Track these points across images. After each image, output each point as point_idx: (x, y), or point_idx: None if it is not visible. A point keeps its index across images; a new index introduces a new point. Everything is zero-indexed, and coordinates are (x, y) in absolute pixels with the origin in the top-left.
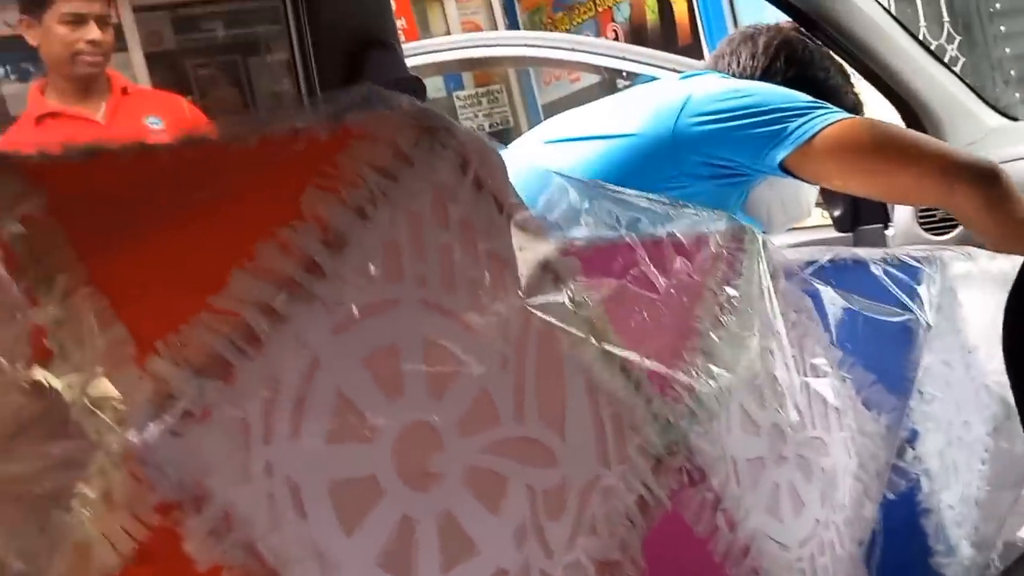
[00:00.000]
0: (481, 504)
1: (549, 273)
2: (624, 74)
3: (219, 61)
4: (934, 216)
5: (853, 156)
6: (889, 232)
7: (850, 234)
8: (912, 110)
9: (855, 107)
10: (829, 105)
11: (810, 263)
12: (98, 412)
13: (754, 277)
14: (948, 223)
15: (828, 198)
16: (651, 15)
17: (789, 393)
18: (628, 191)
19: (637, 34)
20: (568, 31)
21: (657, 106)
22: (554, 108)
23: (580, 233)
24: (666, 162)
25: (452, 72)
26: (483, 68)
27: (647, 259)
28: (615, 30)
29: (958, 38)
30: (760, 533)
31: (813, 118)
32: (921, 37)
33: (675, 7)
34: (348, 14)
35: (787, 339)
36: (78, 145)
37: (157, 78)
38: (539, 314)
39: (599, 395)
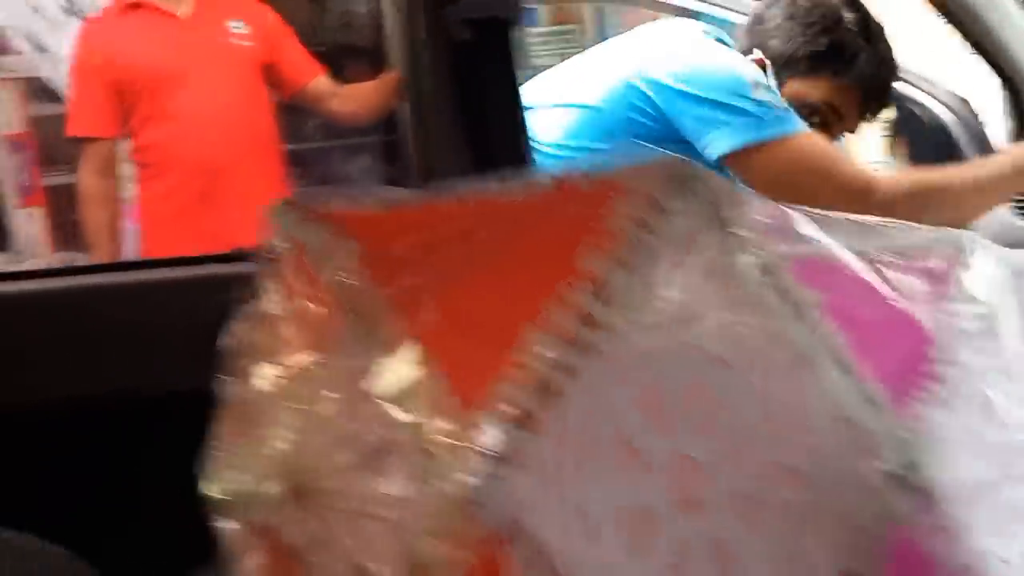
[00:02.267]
0: (745, 526)
1: (792, 308)
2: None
3: None
4: None
5: (784, 175)
6: None
7: None
8: (1015, 84)
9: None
10: (778, 107)
11: None
12: (436, 455)
13: (988, 295)
14: None
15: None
16: None
17: (1018, 410)
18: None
19: None
20: None
21: (615, 77)
22: None
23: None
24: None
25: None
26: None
27: (876, 276)
28: None
29: None
30: (985, 550)
31: (760, 123)
32: None
33: None
34: None
35: (1019, 354)
36: (377, 196)
37: None
38: (785, 347)
39: (843, 419)
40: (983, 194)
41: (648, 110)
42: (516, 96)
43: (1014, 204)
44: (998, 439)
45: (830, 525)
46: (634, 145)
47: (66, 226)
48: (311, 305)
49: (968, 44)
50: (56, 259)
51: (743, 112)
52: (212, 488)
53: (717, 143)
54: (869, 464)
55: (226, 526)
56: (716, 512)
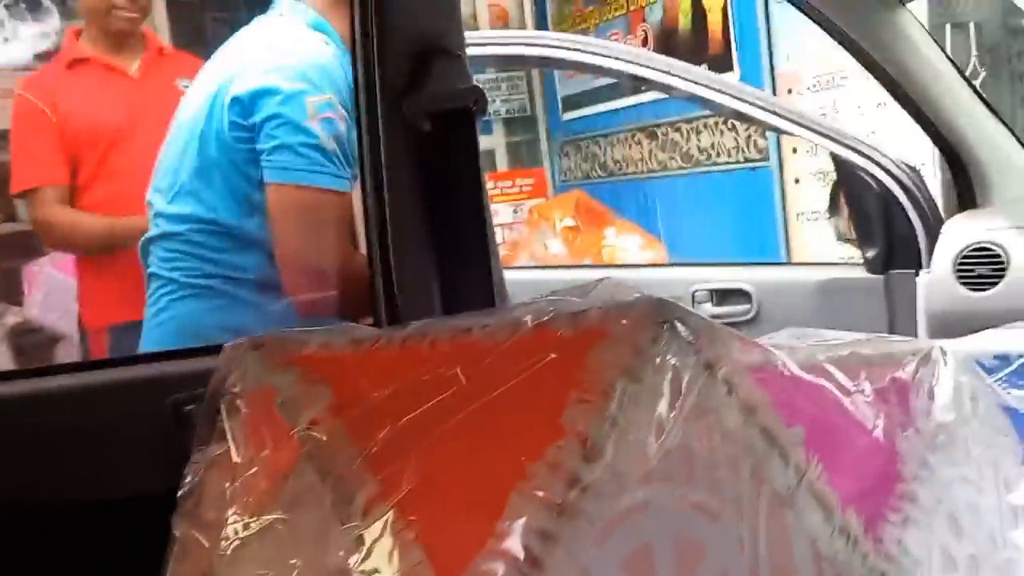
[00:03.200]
0: None
1: (775, 448)
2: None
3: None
4: (973, 271)
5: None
6: (920, 279)
7: (880, 277)
8: (958, 155)
9: None
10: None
11: (1001, 359)
12: None
13: (956, 406)
14: (989, 279)
15: (863, 237)
16: (684, 20)
17: (984, 519)
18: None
19: (667, 37)
20: (598, 26)
21: (204, 93)
22: (574, 101)
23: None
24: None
25: (477, 65)
26: (508, 65)
27: (847, 399)
28: (645, 31)
29: (982, 73)
30: None
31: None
32: None
33: (709, 15)
34: (415, 19)
35: (983, 462)
36: (348, 336)
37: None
38: (767, 488)
39: (822, 559)
40: None
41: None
42: (480, 190)
43: (958, 270)
44: (966, 551)
45: None
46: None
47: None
48: (279, 457)
49: (909, 113)
50: None
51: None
52: None
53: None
54: None
55: None
56: None
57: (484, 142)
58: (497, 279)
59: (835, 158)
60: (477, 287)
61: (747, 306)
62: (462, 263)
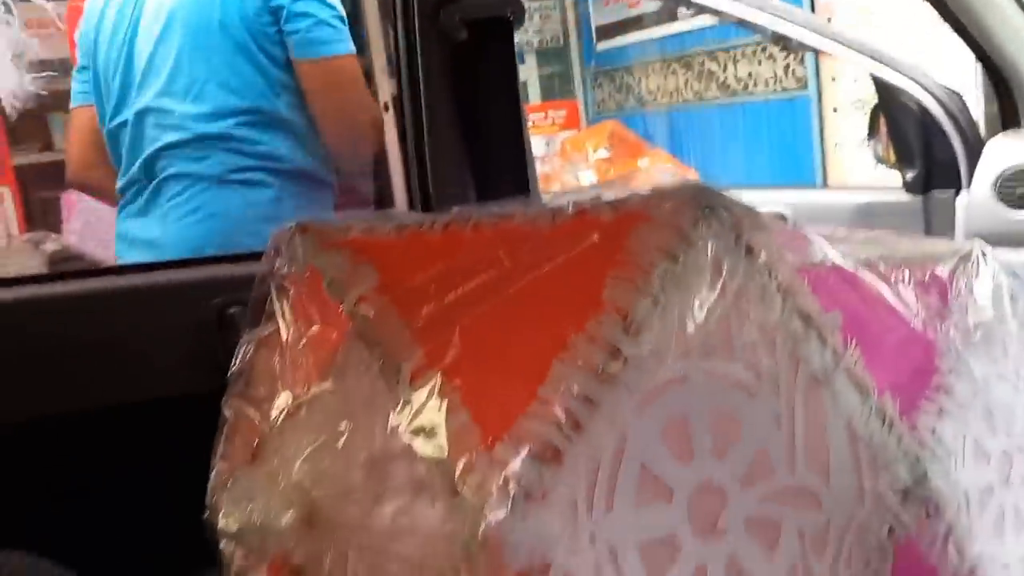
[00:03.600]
0: (760, 549)
1: (813, 330)
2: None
3: None
4: (1014, 191)
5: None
6: (960, 200)
7: (920, 198)
8: (1001, 75)
9: None
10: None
11: None
12: (463, 493)
13: (994, 305)
14: None
15: (903, 159)
16: None
17: (1018, 417)
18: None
19: None
20: None
21: None
22: (608, 31)
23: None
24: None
25: None
26: None
27: (887, 290)
28: None
29: None
30: (984, 555)
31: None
32: None
33: None
34: None
35: (1019, 360)
36: (394, 221)
37: None
38: (805, 369)
39: (858, 439)
40: None
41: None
42: (517, 99)
43: (1000, 189)
44: (1000, 446)
45: (841, 544)
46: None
47: (34, 204)
48: (328, 333)
49: (953, 30)
50: (26, 239)
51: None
52: (224, 519)
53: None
54: (880, 480)
55: (230, 547)
56: (734, 536)
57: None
58: (532, 179)
59: (876, 80)
60: (512, 185)
61: None
62: (497, 163)
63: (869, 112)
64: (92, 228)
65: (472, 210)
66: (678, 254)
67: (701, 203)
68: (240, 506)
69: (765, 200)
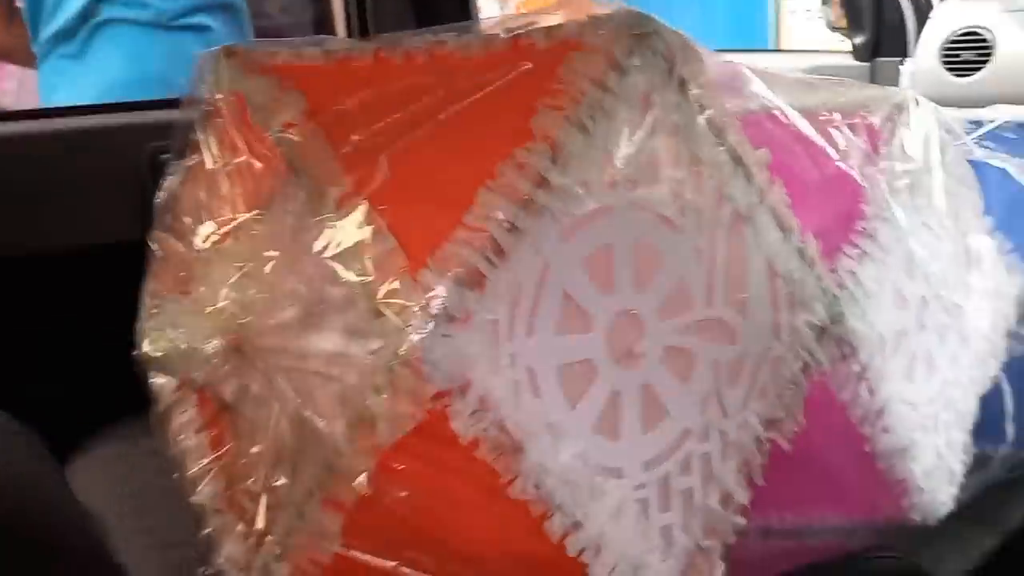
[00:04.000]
0: (674, 377)
1: (740, 167)
2: None
3: None
4: (959, 56)
5: None
6: (905, 66)
7: (867, 64)
8: None
9: None
10: None
11: (975, 123)
12: (386, 314)
13: (923, 154)
14: (973, 64)
15: (854, 25)
16: None
17: (938, 264)
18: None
19: None
20: None
21: None
22: None
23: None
24: None
25: None
26: None
27: (819, 133)
28: None
29: None
30: (894, 396)
31: None
32: None
33: None
34: None
35: (945, 210)
36: (323, 47)
37: None
38: (729, 205)
39: (777, 276)
40: None
41: None
42: None
43: (943, 55)
44: (918, 292)
45: (755, 376)
46: None
47: None
48: (253, 161)
49: None
50: None
51: None
52: (148, 344)
53: None
54: (797, 317)
55: (159, 381)
56: (650, 364)
57: None
58: (473, 6)
59: None
60: (452, 12)
61: None
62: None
63: None
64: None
65: (404, 36)
66: (609, 84)
67: (636, 31)
68: (165, 333)
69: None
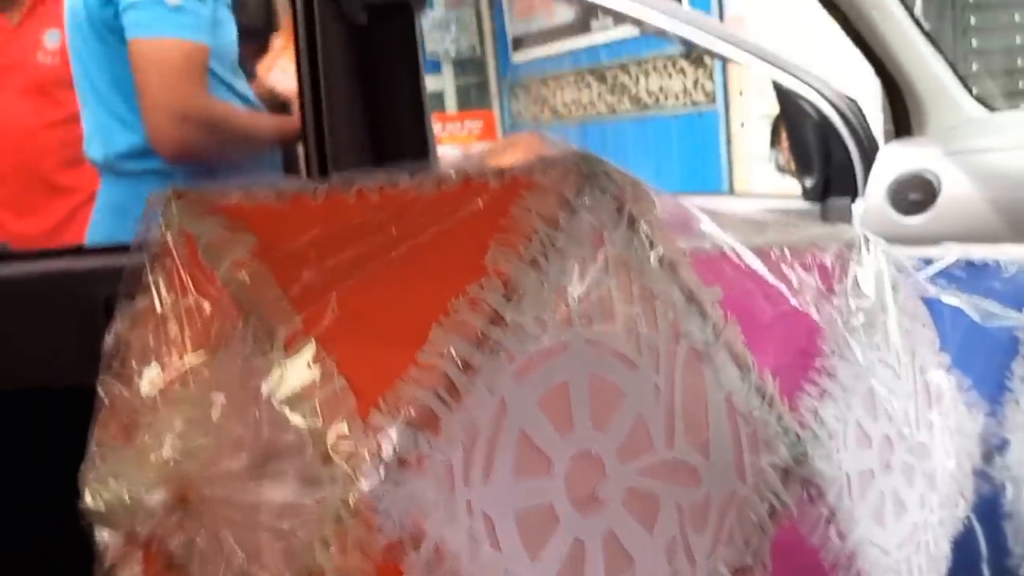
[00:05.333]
0: (638, 523)
1: (694, 304)
2: (598, 14)
3: None
4: (906, 197)
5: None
6: (857, 206)
7: (818, 205)
8: (896, 84)
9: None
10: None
11: (925, 261)
12: (335, 460)
13: (876, 291)
14: (920, 204)
15: (803, 167)
16: None
17: (899, 402)
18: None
19: None
20: None
21: None
22: (523, 42)
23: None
24: None
25: None
26: None
27: (771, 270)
28: None
29: (927, 25)
30: (865, 540)
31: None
32: None
33: None
34: None
35: (901, 348)
36: (274, 187)
37: None
38: (685, 342)
39: (738, 414)
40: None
41: None
42: (419, 84)
43: (891, 195)
44: (881, 431)
45: (721, 521)
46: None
47: None
48: (202, 302)
49: (851, 40)
50: None
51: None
52: (90, 496)
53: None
54: (761, 458)
55: (104, 536)
56: (613, 509)
57: (432, 83)
58: (432, 152)
59: (777, 87)
60: (412, 156)
61: None
62: (397, 134)
63: (772, 123)
64: None
65: (357, 176)
66: (560, 221)
67: (584, 171)
68: (108, 484)
69: None
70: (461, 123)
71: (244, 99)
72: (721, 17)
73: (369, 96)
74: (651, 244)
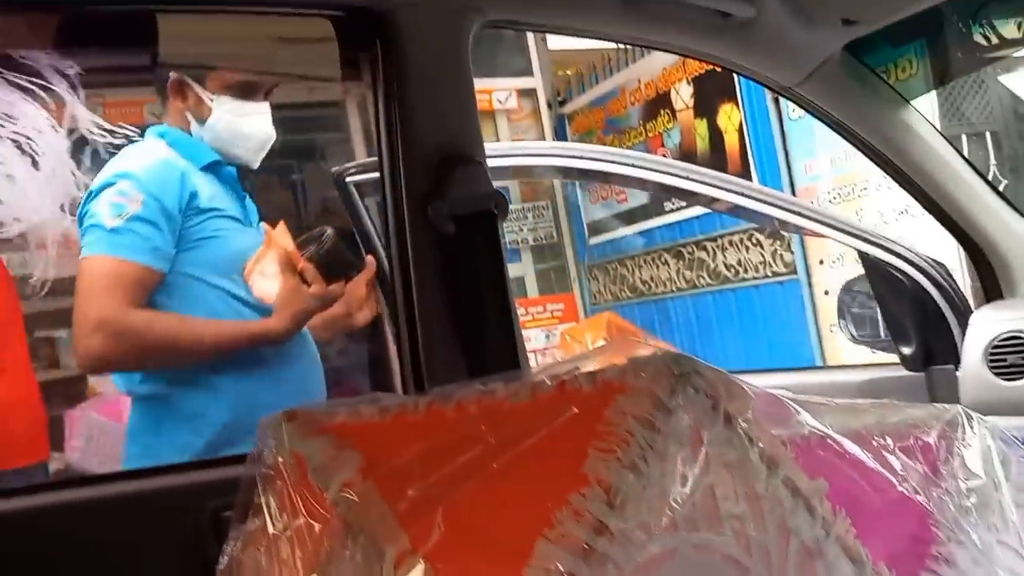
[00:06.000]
0: None
1: (801, 500)
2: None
3: (275, 164)
4: (1005, 360)
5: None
6: (959, 373)
7: (921, 374)
8: (979, 248)
9: None
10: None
11: None
12: None
13: (985, 469)
14: (1020, 367)
15: (898, 335)
16: (701, 142)
17: None
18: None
19: (686, 159)
20: None
21: None
22: (599, 226)
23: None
24: None
25: (500, 180)
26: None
27: (873, 457)
28: (664, 155)
29: (1004, 181)
30: None
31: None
32: None
33: (726, 136)
34: (437, 129)
35: (1021, 526)
36: (377, 404)
37: None
38: (795, 540)
39: None
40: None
41: None
42: (506, 289)
43: (989, 360)
44: None
45: None
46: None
47: None
48: (312, 523)
49: (927, 209)
50: None
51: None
52: None
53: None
54: None
55: None
56: None
57: (513, 270)
58: (523, 358)
59: (863, 257)
60: (503, 365)
61: None
62: (488, 344)
63: (838, 296)
64: (95, 444)
65: (454, 388)
66: (656, 422)
67: (676, 371)
68: None
69: (769, 384)
70: (543, 306)
71: (247, 304)
72: (793, 191)
73: (458, 304)
74: (751, 441)
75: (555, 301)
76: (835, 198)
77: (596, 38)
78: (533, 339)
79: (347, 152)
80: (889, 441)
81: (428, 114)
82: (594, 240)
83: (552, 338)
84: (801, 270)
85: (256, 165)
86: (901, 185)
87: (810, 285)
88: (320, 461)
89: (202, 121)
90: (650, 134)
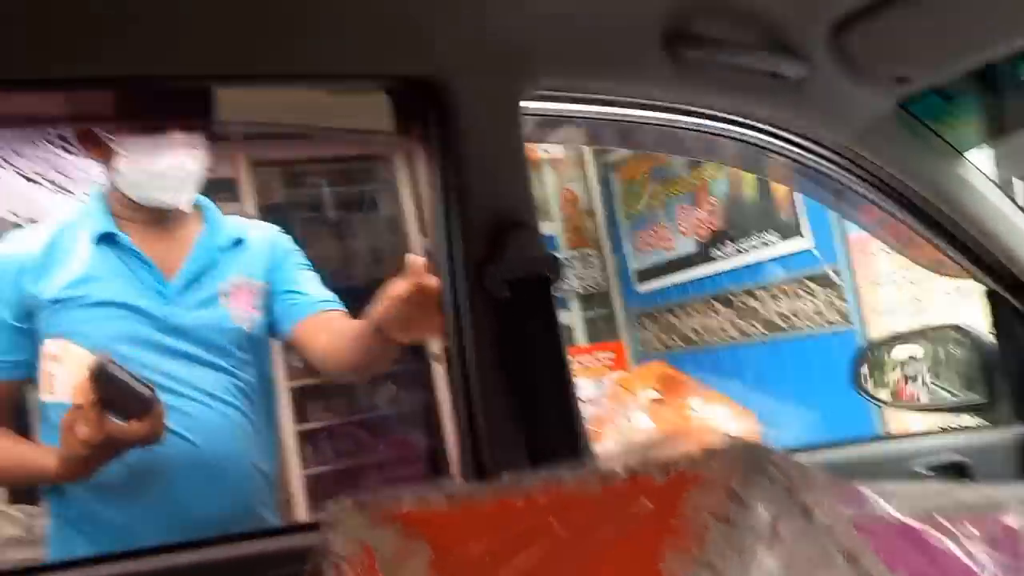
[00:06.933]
0: None
1: None
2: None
3: (325, 215)
4: None
5: None
6: None
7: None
8: None
9: None
10: None
11: None
12: None
13: None
14: None
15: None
16: (749, 189)
17: None
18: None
19: (734, 207)
20: (665, 202)
21: None
22: (647, 274)
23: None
24: None
25: None
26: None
27: (953, 545)
28: (711, 203)
29: None
30: None
31: None
32: None
33: (774, 184)
34: (491, 194)
35: None
36: (446, 492)
37: None
38: None
39: None
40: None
41: None
42: (563, 355)
43: None
44: None
45: None
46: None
47: None
48: None
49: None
50: None
51: None
52: None
53: None
54: None
55: None
56: None
57: (561, 318)
58: (583, 436)
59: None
60: (563, 443)
61: None
62: (546, 420)
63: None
64: None
65: (523, 476)
66: (732, 516)
67: (750, 461)
68: None
69: (835, 458)
70: (592, 355)
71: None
72: (844, 241)
73: (516, 380)
74: (829, 533)
75: (604, 349)
76: (887, 248)
77: (645, 109)
78: (583, 388)
79: (395, 201)
80: (967, 525)
81: (482, 180)
82: (642, 287)
83: (601, 387)
84: (856, 319)
85: (185, 206)
86: (952, 245)
87: (865, 336)
88: (388, 552)
89: (117, 171)
90: (696, 183)
